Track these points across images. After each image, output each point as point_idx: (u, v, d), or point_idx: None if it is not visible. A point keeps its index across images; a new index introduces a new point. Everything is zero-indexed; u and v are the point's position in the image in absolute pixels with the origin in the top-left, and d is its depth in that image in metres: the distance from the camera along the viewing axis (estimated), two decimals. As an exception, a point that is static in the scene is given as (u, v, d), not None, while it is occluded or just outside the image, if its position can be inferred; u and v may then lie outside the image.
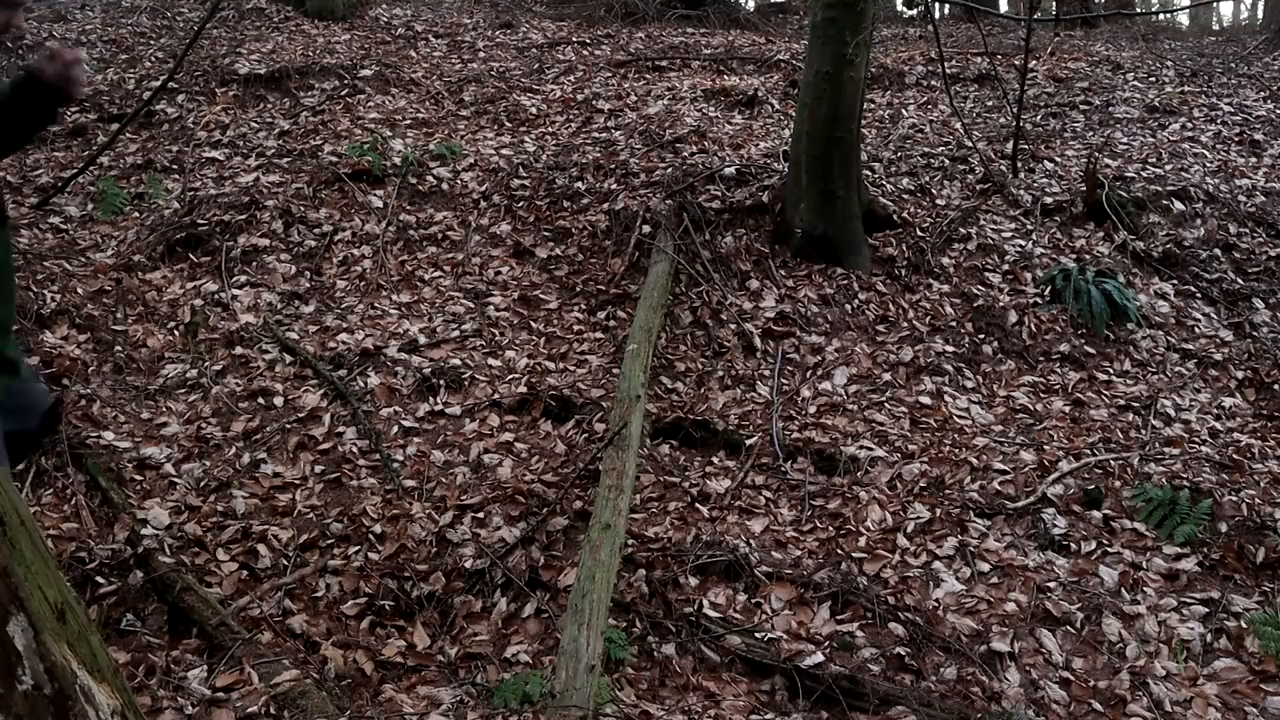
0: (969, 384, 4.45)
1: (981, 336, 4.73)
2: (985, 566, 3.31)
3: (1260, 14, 16.60)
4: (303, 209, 5.30)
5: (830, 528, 3.48)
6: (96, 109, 6.63)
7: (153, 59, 7.69)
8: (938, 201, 5.67)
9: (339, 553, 3.16)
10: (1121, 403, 4.36)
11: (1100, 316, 4.77)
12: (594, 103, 7.13)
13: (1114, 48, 9.87)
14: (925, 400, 4.26)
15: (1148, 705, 2.80)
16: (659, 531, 3.37)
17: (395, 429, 3.82)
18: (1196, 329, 4.93)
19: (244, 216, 5.09)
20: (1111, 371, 4.60)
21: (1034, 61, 8.40)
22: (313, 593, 3.01)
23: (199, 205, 5.31)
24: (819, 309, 4.76)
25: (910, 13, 12.47)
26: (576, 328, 4.63)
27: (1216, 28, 17.71)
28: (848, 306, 4.81)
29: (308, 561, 3.11)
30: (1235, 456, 3.96)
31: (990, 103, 7.53)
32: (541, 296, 4.83)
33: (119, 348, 4.12)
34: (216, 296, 4.60)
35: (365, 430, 3.74)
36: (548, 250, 5.16)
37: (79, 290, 4.48)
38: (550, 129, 6.68)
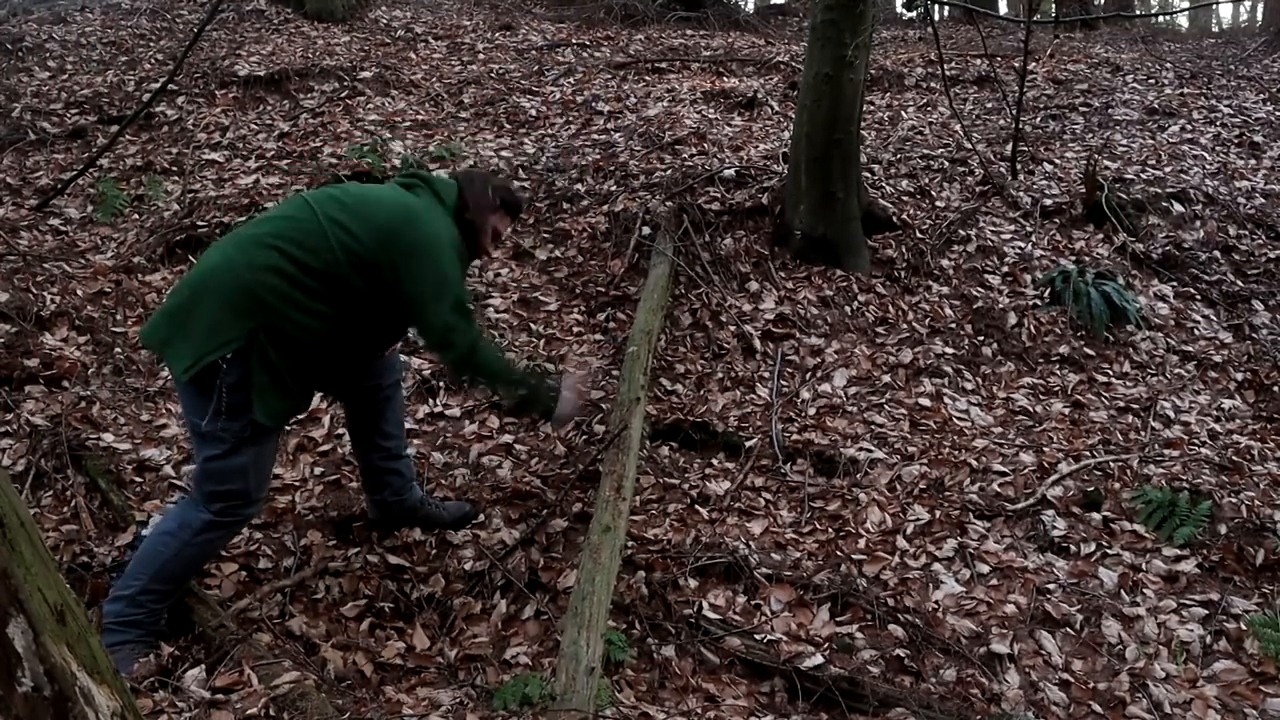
0: (968, 386, 4.45)
1: (981, 338, 4.74)
2: (985, 568, 3.31)
3: (1260, 16, 16.62)
4: (302, 211, 5.30)
5: (830, 529, 3.48)
6: (96, 111, 6.64)
7: (152, 61, 7.70)
8: (937, 203, 5.67)
9: (339, 555, 3.16)
10: (1121, 404, 4.36)
11: (1100, 318, 4.78)
12: (593, 104, 7.14)
13: (1113, 50, 9.88)
14: (925, 402, 4.27)
15: (1147, 707, 2.80)
16: (659, 533, 3.37)
17: (395, 431, 3.81)
18: (1196, 331, 4.93)
19: (244, 218, 5.09)
20: (1111, 373, 4.60)
21: (1033, 63, 8.42)
22: (312, 594, 3.01)
23: (199, 207, 5.31)
24: (818, 311, 4.76)
25: (910, 15, 12.48)
26: (576, 329, 4.63)
27: (1216, 30, 17.74)
28: (847, 308, 4.81)
29: (307, 563, 3.11)
30: (1235, 458, 3.97)
31: (990, 105, 7.54)
32: (541, 298, 4.83)
33: (119, 349, 4.12)
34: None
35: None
36: (547, 252, 5.17)
37: (79, 292, 4.48)
38: (550, 131, 6.69)
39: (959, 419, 4.18)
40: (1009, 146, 6.19)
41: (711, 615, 3.02)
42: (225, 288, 2.54)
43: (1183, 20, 18.75)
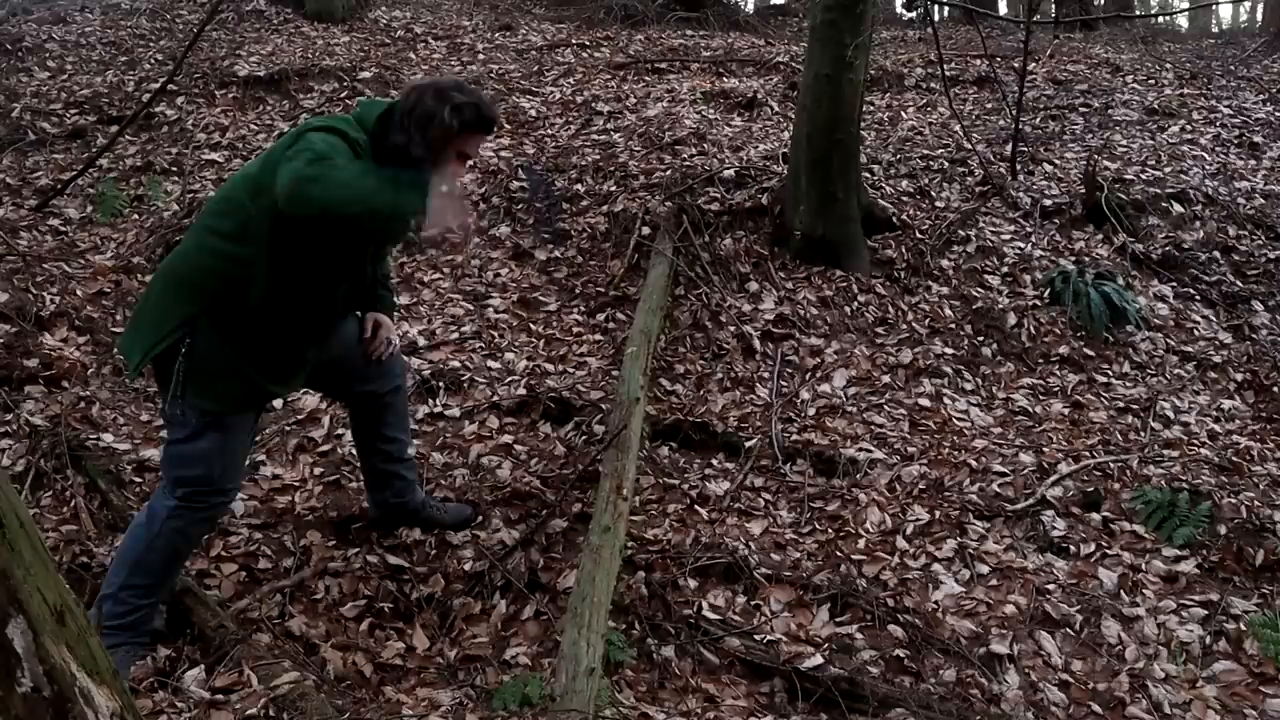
0: (968, 386, 4.45)
1: (981, 339, 4.74)
2: (984, 569, 3.31)
3: (1259, 17, 16.62)
4: (302, 211, 5.30)
5: (829, 530, 3.48)
6: (95, 111, 6.64)
7: (152, 61, 7.70)
8: (937, 204, 5.67)
9: (338, 555, 3.16)
10: (1121, 405, 4.36)
11: (1099, 319, 4.78)
12: (593, 105, 7.14)
13: (1113, 50, 9.88)
14: (924, 402, 4.27)
15: (1147, 707, 2.80)
16: (658, 534, 3.37)
17: (395, 431, 3.81)
18: (1196, 331, 4.93)
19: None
20: (1111, 374, 4.60)
21: (1033, 64, 8.41)
22: (312, 595, 3.01)
23: (199, 207, 5.31)
24: (818, 311, 4.76)
25: (909, 15, 12.48)
26: (576, 330, 4.63)
27: (1216, 30, 17.73)
28: (847, 309, 4.81)
29: (307, 564, 3.11)
30: (1234, 459, 3.97)
31: (989, 105, 7.54)
32: (541, 298, 4.83)
33: (118, 350, 4.12)
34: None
35: (365, 432, 3.73)
36: (547, 252, 5.17)
37: (78, 292, 4.48)
38: (549, 131, 6.69)
39: (959, 419, 4.18)
40: (1009, 147, 6.19)
41: (711, 616, 3.02)
42: (167, 279, 2.57)
43: (1182, 21, 18.76)
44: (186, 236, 2.63)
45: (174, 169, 5.93)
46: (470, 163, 2.71)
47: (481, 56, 8.62)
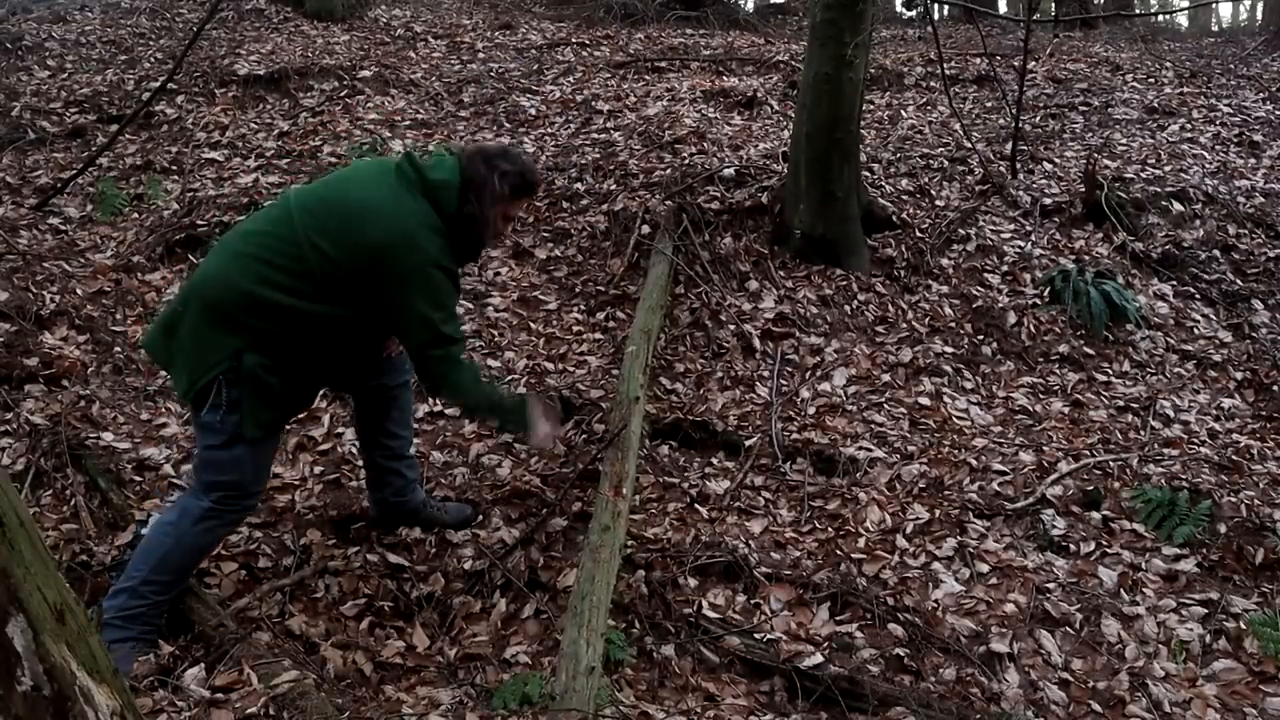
0: (968, 385, 4.45)
1: (981, 337, 4.74)
2: (984, 567, 3.31)
3: (1259, 15, 16.62)
4: (302, 210, 5.29)
5: (829, 528, 3.48)
6: (95, 110, 6.64)
7: (152, 60, 7.70)
8: (937, 203, 5.67)
9: (338, 554, 3.16)
10: (1121, 404, 4.36)
11: (1099, 317, 4.78)
12: (593, 104, 7.14)
13: (1113, 49, 9.88)
14: (924, 401, 4.27)
15: (1147, 706, 2.80)
16: (658, 532, 3.37)
17: (394, 430, 3.81)
18: (1195, 330, 4.93)
19: (243, 217, 5.09)
20: (1110, 372, 4.60)
21: (1033, 63, 8.41)
22: (312, 593, 3.01)
23: (198, 206, 5.31)
24: (818, 310, 4.76)
25: (909, 14, 12.48)
26: (576, 329, 4.63)
27: (1215, 29, 17.73)
28: (847, 307, 4.81)
29: (307, 562, 3.11)
30: (1234, 457, 3.97)
31: (989, 104, 7.54)
32: (540, 297, 4.83)
33: (118, 349, 4.12)
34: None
35: (364, 431, 3.73)
36: (547, 251, 5.17)
37: (78, 291, 4.48)
38: (549, 130, 6.69)
39: (958, 418, 4.18)
40: (1009, 146, 6.19)
41: (711, 614, 3.02)
42: (211, 305, 2.56)
43: (1182, 19, 18.76)
44: (235, 261, 2.58)
45: (174, 168, 5.93)
46: (513, 224, 2.91)
47: (481, 55, 8.62)
